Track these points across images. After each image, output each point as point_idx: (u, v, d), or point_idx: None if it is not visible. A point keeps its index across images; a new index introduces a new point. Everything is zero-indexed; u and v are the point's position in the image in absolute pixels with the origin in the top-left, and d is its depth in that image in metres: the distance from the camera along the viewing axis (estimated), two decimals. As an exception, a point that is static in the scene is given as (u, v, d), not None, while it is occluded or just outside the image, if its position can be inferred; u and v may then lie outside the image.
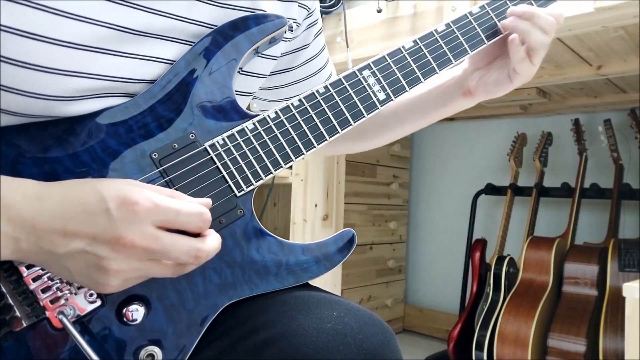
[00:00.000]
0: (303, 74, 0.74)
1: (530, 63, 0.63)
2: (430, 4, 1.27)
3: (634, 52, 1.34)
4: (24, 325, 0.43)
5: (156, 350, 0.45)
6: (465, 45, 0.64)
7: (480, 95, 0.68)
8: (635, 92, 1.75)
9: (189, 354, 0.47)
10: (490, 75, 0.67)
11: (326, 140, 0.56)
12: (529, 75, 0.65)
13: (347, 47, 1.40)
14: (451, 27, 0.64)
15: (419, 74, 0.61)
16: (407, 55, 0.61)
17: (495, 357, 1.67)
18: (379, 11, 1.35)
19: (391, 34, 1.35)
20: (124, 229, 0.40)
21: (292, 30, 0.70)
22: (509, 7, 0.66)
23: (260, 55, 0.61)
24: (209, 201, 0.47)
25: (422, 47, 0.62)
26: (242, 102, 0.61)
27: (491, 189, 2.12)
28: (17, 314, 0.43)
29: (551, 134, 2.05)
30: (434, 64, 0.62)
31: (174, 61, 0.52)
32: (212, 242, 0.45)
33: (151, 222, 0.41)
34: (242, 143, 0.52)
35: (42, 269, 0.44)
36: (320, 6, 1.46)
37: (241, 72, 0.60)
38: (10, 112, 0.45)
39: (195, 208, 0.44)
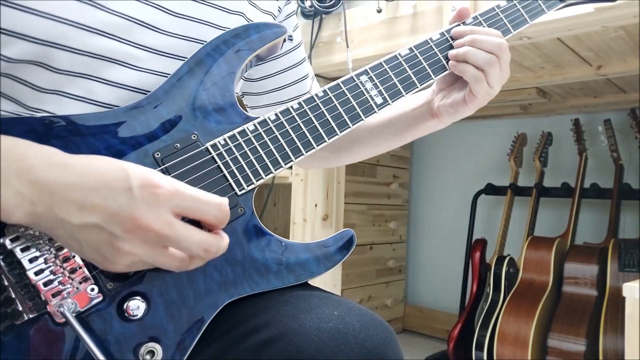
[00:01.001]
0: (289, 62, 0.75)
1: (487, 85, 0.63)
2: (430, 4, 1.27)
3: (634, 52, 1.34)
4: (25, 318, 0.43)
5: (156, 347, 0.45)
6: None
7: (444, 117, 0.68)
8: (635, 92, 1.75)
9: (189, 352, 0.47)
10: (450, 95, 0.67)
11: (325, 141, 0.57)
12: (487, 97, 0.65)
13: (347, 47, 1.41)
14: (445, 35, 0.67)
15: (414, 79, 0.63)
16: (403, 62, 0.64)
17: (495, 357, 1.67)
18: (379, 11, 1.35)
19: (391, 34, 1.35)
20: (143, 210, 0.41)
21: (291, 39, 0.72)
22: (500, 18, 0.68)
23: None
24: (227, 200, 0.47)
25: (418, 54, 0.65)
26: None
27: (491, 189, 2.13)
28: (19, 307, 0.43)
29: (551, 134, 2.06)
30: (429, 70, 0.64)
31: (173, 12, 0.56)
32: (224, 240, 0.46)
33: (170, 207, 0.42)
34: (242, 143, 0.53)
35: (45, 262, 0.44)
36: (320, 6, 1.47)
37: None
38: (16, 34, 0.47)
39: (214, 198, 0.45)
